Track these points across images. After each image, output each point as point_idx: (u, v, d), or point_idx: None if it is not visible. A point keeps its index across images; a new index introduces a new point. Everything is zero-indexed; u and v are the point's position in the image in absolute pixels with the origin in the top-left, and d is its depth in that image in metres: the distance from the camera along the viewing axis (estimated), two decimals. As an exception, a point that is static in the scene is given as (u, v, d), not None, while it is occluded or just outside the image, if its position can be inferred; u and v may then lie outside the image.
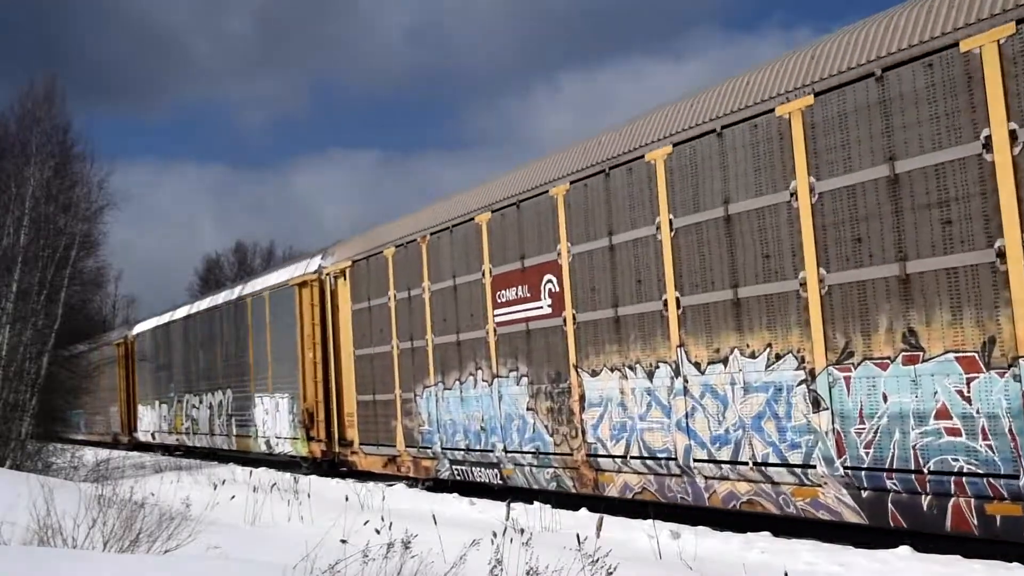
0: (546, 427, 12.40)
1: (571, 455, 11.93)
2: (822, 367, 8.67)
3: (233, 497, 12.39)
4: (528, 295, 12.71)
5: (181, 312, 28.94)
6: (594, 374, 11.52)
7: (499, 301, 13.32)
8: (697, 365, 10.03)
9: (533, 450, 12.64)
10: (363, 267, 17.30)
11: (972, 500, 7.50)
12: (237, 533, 9.74)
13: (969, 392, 7.48)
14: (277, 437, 21.24)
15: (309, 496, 13.00)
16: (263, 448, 22.13)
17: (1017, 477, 7.14)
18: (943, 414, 7.66)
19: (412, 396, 15.62)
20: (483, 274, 13.67)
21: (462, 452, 14.26)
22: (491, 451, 13.54)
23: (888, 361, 8.08)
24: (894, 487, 8.06)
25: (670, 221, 10.36)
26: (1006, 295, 7.23)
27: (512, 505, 9.22)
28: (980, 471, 7.40)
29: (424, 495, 14.88)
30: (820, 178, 8.70)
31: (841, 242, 8.51)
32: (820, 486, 8.81)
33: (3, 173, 21.98)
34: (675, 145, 10.33)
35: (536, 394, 12.58)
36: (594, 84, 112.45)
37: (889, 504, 8.16)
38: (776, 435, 9.12)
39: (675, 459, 10.32)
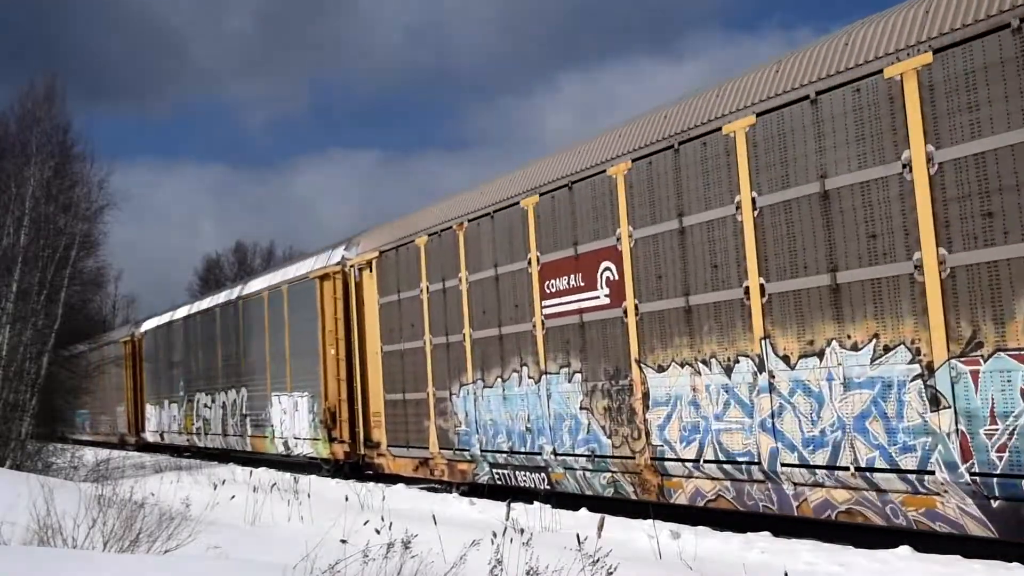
0: (603, 428, 11.39)
1: (632, 458, 10.92)
2: (942, 360, 7.65)
3: (233, 497, 12.29)
4: (582, 284, 11.69)
5: (191, 308, 27.94)
6: (660, 370, 10.51)
7: (548, 291, 12.30)
8: (786, 359, 9.01)
9: (587, 453, 11.63)
10: (392, 258, 16.28)
11: None
12: (237, 533, 9.64)
13: None
14: (295, 438, 20.22)
15: (309, 496, 12.85)
16: (280, 449, 21.11)
17: None
18: (1102, 413, 6.65)
19: (447, 395, 14.60)
20: (529, 262, 12.66)
21: (504, 455, 13.24)
22: (538, 454, 12.52)
23: (1029, 353, 7.07)
24: (1036, 497, 7.06)
25: (753, 199, 9.34)
26: None
27: (512, 505, 9.20)
28: None
29: (424, 495, 14.66)
30: (940, 146, 7.68)
31: (967, 218, 7.49)
32: (939, 495, 7.79)
33: (3, 173, 21.93)
34: (759, 115, 9.30)
35: (591, 392, 11.56)
36: (594, 84, 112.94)
37: (1028, 516, 7.16)
38: (884, 437, 8.10)
39: (758, 463, 9.31)
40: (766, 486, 9.35)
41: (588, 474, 11.73)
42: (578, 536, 6.40)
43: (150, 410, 31.18)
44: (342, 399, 18.27)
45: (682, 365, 10.21)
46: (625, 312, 11.00)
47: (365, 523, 8.37)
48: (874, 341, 8.20)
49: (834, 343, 8.55)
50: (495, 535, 6.12)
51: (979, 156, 7.40)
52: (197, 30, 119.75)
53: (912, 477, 7.91)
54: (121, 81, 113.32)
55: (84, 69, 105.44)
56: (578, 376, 11.78)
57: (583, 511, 11.39)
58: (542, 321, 12.40)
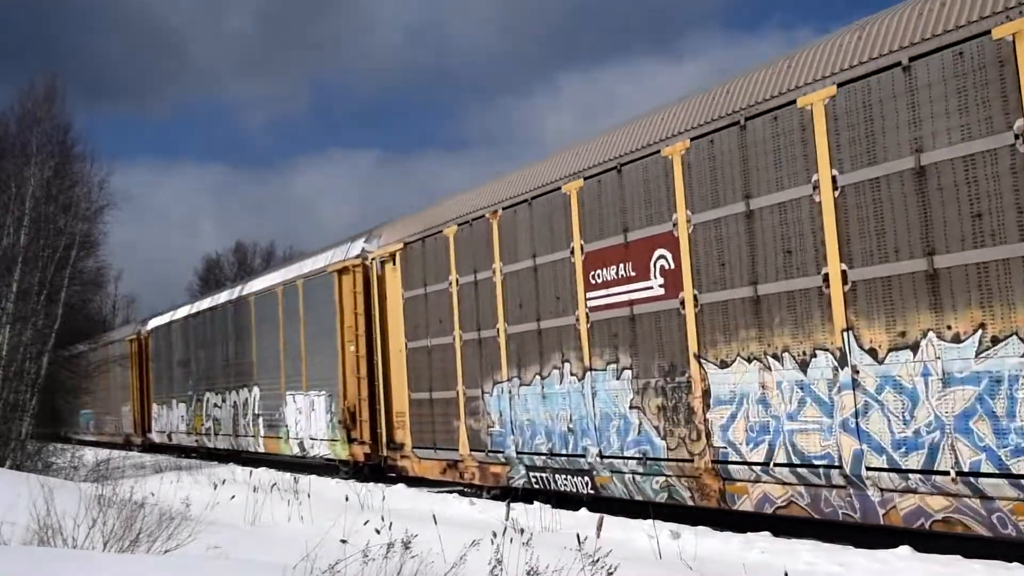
0: (656, 428, 10.57)
1: (691, 461, 10.11)
2: (1064, 353, 6.84)
3: (233, 497, 12.24)
4: (632, 274, 10.88)
5: (200, 305, 27.13)
6: (723, 365, 9.69)
7: (593, 282, 11.48)
8: (872, 352, 8.20)
9: (638, 455, 10.81)
10: (417, 249, 15.47)
11: None
12: (237, 533, 9.63)
13: None
14: (312, 439, 19.41)
15: (309, 496, 12.78)
16: (295, 450, 20.30)
17: None
18: None
19: (479, 393, 13.78)
20: (572, 252, 11.84)
21: (543, 457, 12.43)
22: (582, 456, 11.71)
23: None
24: None
25: (833, 178, 8.52)
26: None
27: (512, 505, 9.08)
28: None
29: (424, 495, 14.45)
30: (1062, 113, 6.87)
31: (1095, 193, 6.68)
32: (1058, 503, 6.98)
33: (3, 173, 21.88)
34: (840, 85, 8.49)
35: (643, 390, 10.75)
36: (594, 84, 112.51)
37: None
38: (992, 438, 7.29)
39: (839, 467, 8.49)
40: (847, 492, 8.53)
41: (638, 478, 10.92)
42: (578, 536, 6.35)
43: (157, 410, 30.35)
44: (362, 398, 17.46)
45: (749, 360, 9.39)
46: (682, 303, 10.18)
47: (365, 523, 8.29)
48: (979, 332, 7.39)
49: (931, 335, 7.73)
50: (495, 535, 6.09)
51: (1111, 123, 6.59)
52: (197, 30, 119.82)
53: (1026, 483, 7.11)
54: (121, 81, 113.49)
55: (84, 69, 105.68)
56: (628, 373, 10.97)
57: (583, 511, 11.25)
58: (586, 314, 11.59)
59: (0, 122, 23.55)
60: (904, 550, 7.99)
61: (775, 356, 9.12)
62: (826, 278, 8.60)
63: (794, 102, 8.92)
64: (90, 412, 38.29)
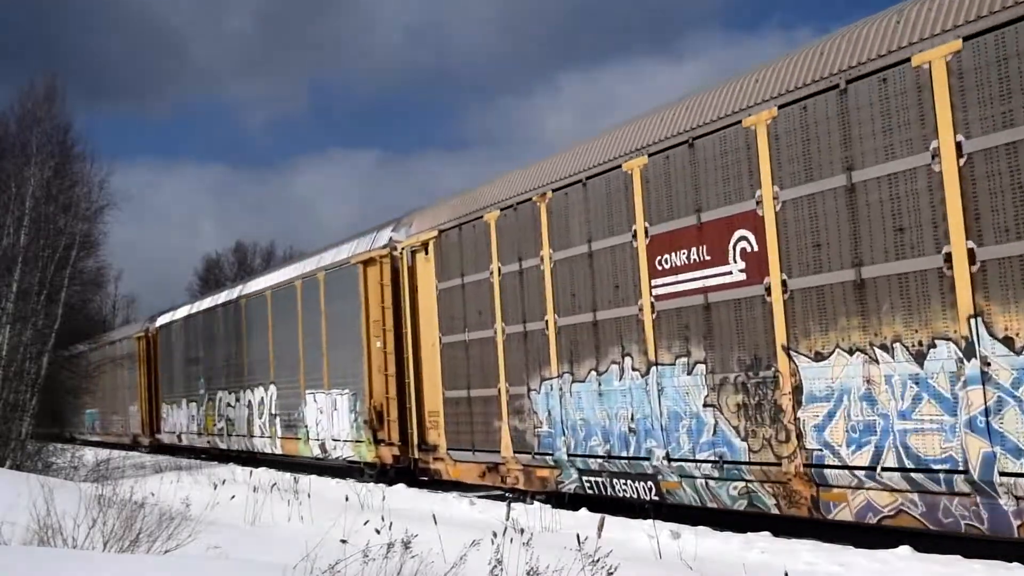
0: (735, 429, 9.56)
1: (778, 465, 9.09)
2: None
3: (233, 497, 12.18)
4: (708, 258, 9.87)
5: (213, 300, 26.12)
6: (819, 357, 8.68)
7: (660, 268, 10.47)
8: (1008, 342, 7.18)
9: (713, 458, 9.80)
10: (453, 238, 14.46)
11: None
12: (237, 533, 9.60)
13: None
14: (334, 440, 18.40)
15: (309, 496, 12.76)
16: (316, 452, 19.28)
17: None
18: None
19: (524, 391, 12.77)
20: (635, 235, 10.83)
21: (599, 460, 11.41)
22: (646, 459, 10.70)
23: None
24: None
25: (958, 145, 7.51)
26: None
27: (512, 505, 9.10)
28: None
29: (425, 495, 14.32)
30: None
31: None
32: None
33: (3, 173, 21.90)
34: (967, 39, 7.48)
35: (719, 386, 9.73)
36: (594, 84, 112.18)
37: None
38: None
39: (964, 471, 7.48)
40: (972, 500, 7.52)
41: (713, 483, 9.90)
42: (578, 536, 6.33)
43: (166, 409, 29.32)
44: (390, 397, 16.45)
45: (851, 352, 8.38)
46: (768, 290, 9.17)
47: (365, 523, 8.26)
48: None
49: (1085, 320, 6.72)
50: (495, 535, 6.08)
51: None
52: (197, 30, 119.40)
53: None
54: (121, 81, 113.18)
55: (84, 69, 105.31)
56: (701, 367, 9.95)
57: (583, 511, 11.21)
58: (651, 303, 10.58)
59: (0, 122, 23.67)
60: (904, 550, 7.94)
61: (883, 347, 8.10)
62: (948, 258, 7.58)
63: (908, 60, 7.91)
64: (95, 412, 37.28)
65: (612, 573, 5.61)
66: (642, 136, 10.83)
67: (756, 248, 9.31)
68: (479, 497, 13.65)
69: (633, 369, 10.88)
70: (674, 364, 10.30)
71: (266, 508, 11.68)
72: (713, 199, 9.81)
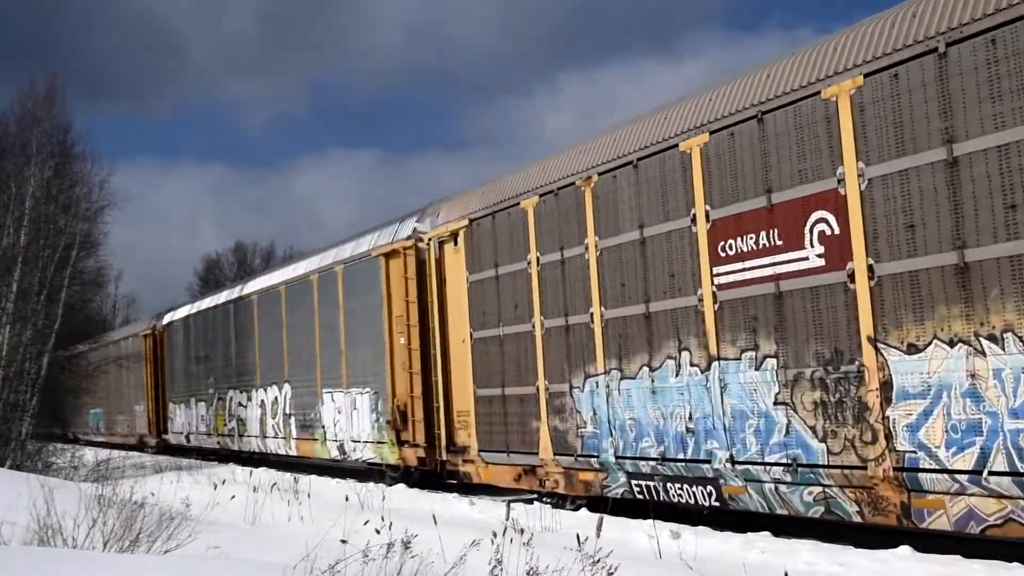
0: (811, 429, 8.74)
1: (862, 468, 8.27)
2: None
3: (233, 497, 12.11)
4: (779, 243, 9.06)
5: (224, 296, 25.30)
6: (912, 350, 7.86)
7: (723, 255, 9.66)
8: None
9: (785, 461, 8.98)
10: (486, 227, 13.65)
11: None
12: (237, 533, 9.57)
13: None
14: (354, 441, 17.58)
15: (309, 496, 12.76)
16: (333, 454, 18.47)
17: None
18: None
19: (566, 389, 11.96)
20: (693, 220, 10.02)
21: (651, 462, 10.60)
22: (705, 461, 9.88)
23: None
24: None
25: (1085, 110, 6.71)
26: None
27: (512, 505, 8.96)
28: None
29: (424, 495, 14.26)
30: None
31: None
32: None
33: (3, 173, 21.94)
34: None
35: (793, 382, 8.92)
36: (594, 84, 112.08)
37: None
38: None
39: (1091, 478, 6.67)
40: (1100, 509, 6.71)
41: (784, 488, 9.08)
42: (578, 536, 6.30)
43: (173, 409, 28.49)
44: (415, 396, 15.64)
45: (951, 343, 7.57)
46: (851, 276, 8.36)
47: (365, 523, 8.22)
48: None
49: None
50: (495, 535, 6.08)
51: None
52: (197, 30, 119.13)
53: None
54: (121, 81, 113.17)
55: (84, 69, 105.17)
56: (771, 362, 9.14)
57: (583, 511, 11.17)
58: (713, 293, 9.76)
59: (0, 122, 23.65)
60: (904, 550, 7.92)
61: (991, 337, 7.29)
62: (1073, 237, 6.78)
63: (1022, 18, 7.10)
64: (100, 412, 36.47)
65: (612, 573, 5.58)
66: (702, 112, 10.02)
67: (837, 231, 8.50)
68: (511, 500, 12.84)
69: (691, 364, 10.06)
70: (739, 359, 9.49)
71: (266, 508, 11.61)
72: (786, 178, 9.00)
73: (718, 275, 9.72)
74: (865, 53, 8.30)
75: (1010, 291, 7.18)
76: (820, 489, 8.75)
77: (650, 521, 9.39)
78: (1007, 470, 7.19)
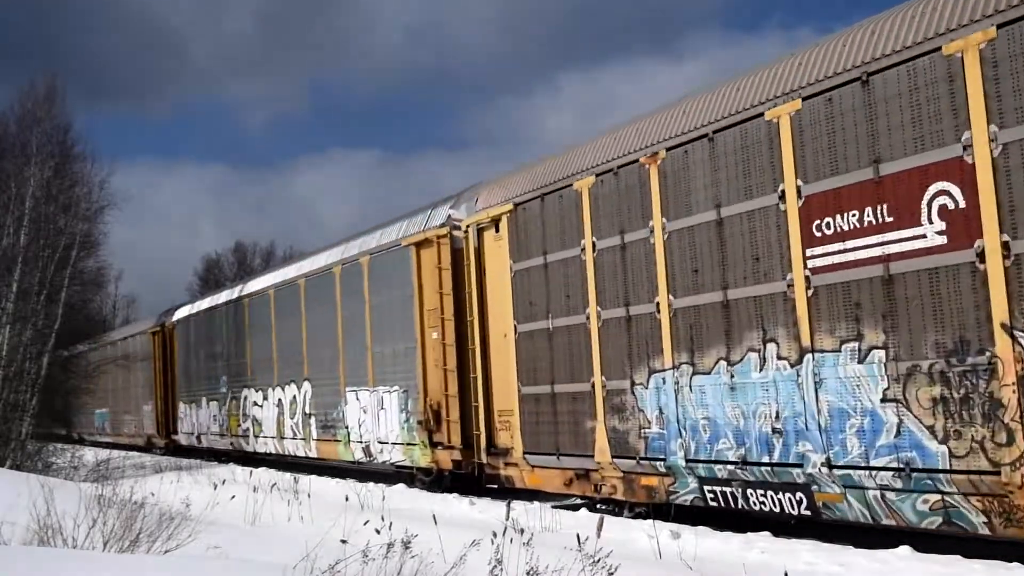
0: (928, 429, 7.73)
1: (995, 474, 7.26)
2: None
3: (233, 497, 12.04)
4: (890, 219, 8.05)
5: (238, 291, 24.29)
6: (1060, 339, 6.86)
7: (819, 235, 8.65)
8: None
9: (896, 465, 7.97)
10: (533, 211, 12.64)
11: None
12: (237, 533, 9.54)
13: None
14: (380, 442, 16.57)
15: (309, 496, 12.75)
16: (358, 456, 17.45)
17: None
18: None
19: (627, 386, 10.95)
20: (782, 197, 9.01)
21: (729, 466, 9.59)
22: (796, 466, 8.87)
23: None
24: None
25: None
26: None
27: (512, 505, 9.08)
28: None
29: (424, 495, 14.24)
30: None
31: None
32: None
33: (3, 173, 21.97)
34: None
35: (906, 376, 7.91)
36: (594, 84, 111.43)
37: None
38: None
39: None
40: None
41: (892, 496, 8.07)
42: (578, 536, 6.27)
43: (183, 409, 27.45)
44: (450, 394, 14.63)
45: (1112, 330, 6.56)
46: (980, 255, 7.35)
47: (365, 523, 8.19)
48: None
49: None
50: (495, 535, 6.06)
51: None
52: (197, 30, 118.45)
53: None
54: (121, 81, 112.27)
55: (84, 69, 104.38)
56: (878, 354, 8.13)
57: (583, 511, 11.15)
58: (806, 277, 8.75)
59: (0, 122, 23.64)
60: (904, 550, 7.90)
61: None
62: None
63: None
64: (106, 412, 35.46)
65: (612, 573, 5.59)
66: (793, 77, 9.01)
67: (963, 204, 7.49)
68: (555, 505, 11.84)
69: (779, 357, 9.05)
70: (838, 351, 8.48)
71: (266, 508, 11.59)
72: (897, 147, 7.99)
73: (812, 257, 8.71)
74: (998, 1, 7.29)
75: None
76: (938, 497, 7.74)
77: (650, 521, 9.44)
78: None
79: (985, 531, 7.50)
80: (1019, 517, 7.22)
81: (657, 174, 10.50)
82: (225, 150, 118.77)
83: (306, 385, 19.56)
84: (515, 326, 12.94)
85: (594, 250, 11.45)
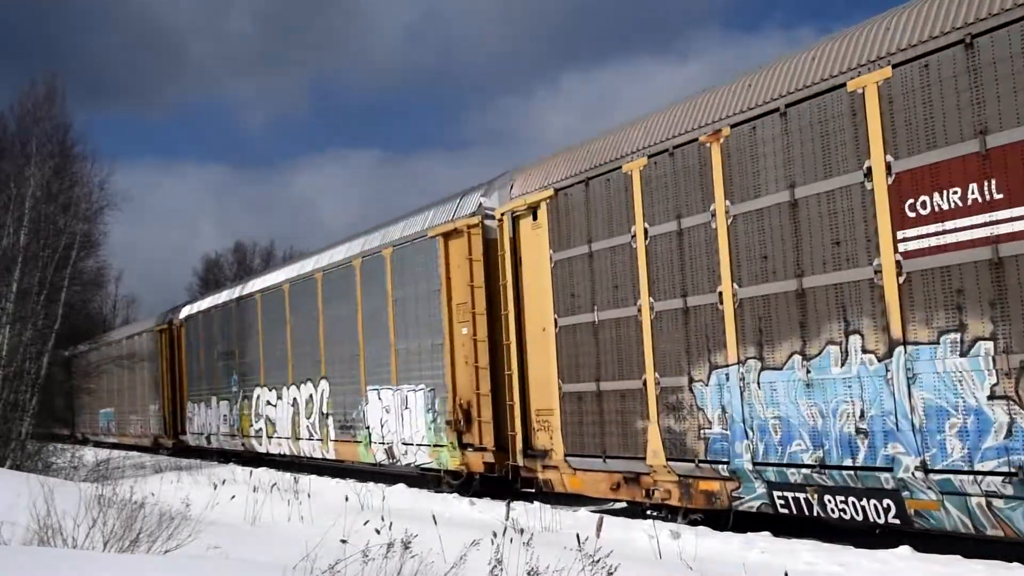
0: (1047, 429, 6.92)
1: None
2: None
3: (233, 497, 12.01)
4: (999, 196, 7.24)
5: (250, 287, 23.48)
6: None
7: (912, 215, 7.85)
8: None
9: (1007, 469, 7.16)
10: (576, 197, 11.84)
11: None
12: (237, 533, 9.59)
13: None
14: (404, 444, 15.77)
15: (309, 496, 12.75)
16: (380, 457, 16.65)
17: None
18: None
19: (684, 383, 10.15)
20: (868, 174, 8.21)
21: (804, 470, 8.78)
22: (885, 470, 8.06)
23: None
24: None
25: None
26: None
27: (512, 505, 8.98)
28: None
29: (424, 494, 14.15)
30: None
31: None
32: None
33: (3, 173, 22.04)
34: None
35: (1020, 371, 7.10)
36: (595, 84, 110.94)
37: None
38: None
39: None
40: None
41: (1001, 504, 7.26)
42: (578, 536, 6.22)
43: (192, 408, 26.64)
44: (482, 393, 13.84)
45: None
46: (1112, 234, 6.55)
47: (365, 523, 8.12)
48: None
49: None
50: (495, 535, 6.02)
51: None
52: (197, 30, 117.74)
53: None
54: (121, 81, 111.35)
55: (84, 69, 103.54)
56: (985, 346, 7.32)
57: (583, 511, 11.13)
58: (897, 262, 7.95)
59: (0, 122, 23.73)
60: (904, 550, 7.88)
61: None
62: None
63: None
64: (111, 411, 34.67)
65: (612, 573, 5.59)
66: (879, 44, 8.20)
67: (1090, 178, 6.69)
68: (592, 509, 11.06)
69: (864, 351, 8.25)
70: (936, 343, 7.67)
71: (266, 508, 11.58)
72: (1008, 116, 7.19)
73: (904, 240, 7.91)
74: None
75: None
76: (1058, 506, 6.94)
77: (650, 521, 9.37)
78: None
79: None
80: None
81: (720, 153, 9.70)
82: (225, 150, 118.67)
83: (323, 384, 18.76)
84: (555, 320, 12.14)
85: (646, 237, 10.65)
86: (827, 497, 8.71)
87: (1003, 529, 7.35)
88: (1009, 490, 7.19)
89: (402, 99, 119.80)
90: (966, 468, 7.46)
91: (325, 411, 18.59)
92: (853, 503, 8.48)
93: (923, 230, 7.76)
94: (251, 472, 16.61)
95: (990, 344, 7.30)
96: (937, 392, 7.66)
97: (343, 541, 6.48)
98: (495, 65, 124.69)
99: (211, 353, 25.24)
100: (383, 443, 16.42)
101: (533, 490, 12.92)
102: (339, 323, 18.11)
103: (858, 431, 8.29)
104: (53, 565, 6.05)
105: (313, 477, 16.99)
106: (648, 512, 10.97)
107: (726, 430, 9.62)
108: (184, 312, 27.59)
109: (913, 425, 7.82)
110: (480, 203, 14.14)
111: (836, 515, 8.66)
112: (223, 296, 25.16)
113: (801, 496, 8.96)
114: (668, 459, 10.36)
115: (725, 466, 9.64)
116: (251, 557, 7.36)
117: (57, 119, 23.09)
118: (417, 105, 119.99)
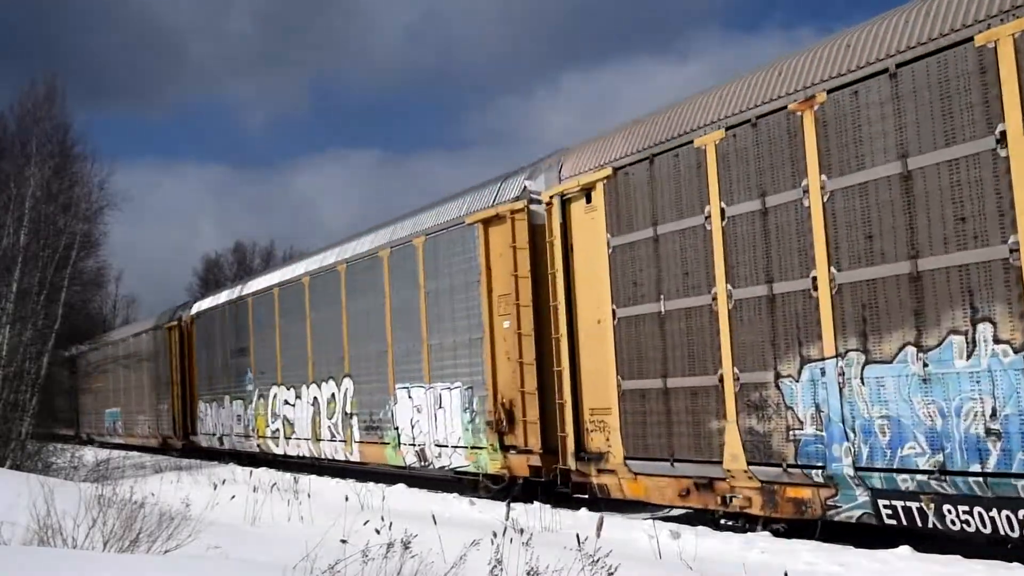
0: None
1: None
2: None
3: (233, 497, 11.94)
4: None
5: (266, 281, 22.47)
6: None
7: (1059, 185, 6.85)
8: None
9: None
10: (638, 175, 10.84)
11: None
12: (237, 533, 9.53)
13: None
14: (438, 445, 14.77)
15: (309, 496, 12.73)
16: (410, 460, 15.64)
17: None
18: None
19: (770, 378, 9.15)
20: (1000, 140, 7.21)
21: (919, 476, 7.78)
22: (1021, 476, 7.07)
23: None
24: None
25: None
26: None
27: (512, 505, 8.84)
28: None
29: (424, 494, 14.08)
30: None
31: None
32: None
33: (3, 173, 22.01)
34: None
35: None
36: (595, 84, 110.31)
37: None
38: None
39: None
40: None
41: None
42: (578, 536, 6.24)
43: (204, 408, 25.61)
44: (526, 391, 12.84)
45: None
46: None
47: (365, 523, 7.96)
48: None
49: None
50: (495, 535, 6.00)
51: None
52: (197, 30, 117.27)
53: None
54: (121, 81, 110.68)
55: (84, 69, 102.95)
56: None
57: (583, 511, 11.05)
58: (1040, 240, 6.95)
59: (0, 122, 23.71)
60: (904, 550, 7.84)
61: None
62: None
63: None
64: (117, 411, 33.67)
65: (612, 573, 5.59)
66: (1016, -10, 7.21)
67: None
68: (649, 517, 10.08)
69: (996, 341, 7.25)
70: (1090, 331, 6.68)
71: (266, 508, 11.58)
72: None
73: (1049, 215, 6.91)
74: None
75: None
76: None
77: (650, 521, 9.39)
78: None
79: None
80: None
81: (813, 122, 8.70)
82: (225, 150, 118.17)
83: (347, 382, 17.75)
84: (613, 311, 11.15)
85: (723, 218, 9.65)
86: (947, 507, 7.71)
87: None
88: None
89: (402, 99, 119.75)
90: None
91: (349, 411, 17.59)
92: (980, 514, 7.48)
93: (1074, 202, 6.77)
94: (251, 472, 16.33)
95: None
96: (1091, 388, 6.67)
97: (343, 541, 6.47)
98: (495, 65, 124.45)
99: (224, 350, 24.22)
100: (414, 444, 15.42)
101: (586, 496, 11.90)
102: (364, 317, 17.11)
103: (988, 432, 7.29)
104: (53, 565, 6.08)
105: (313, 477, 16.70)
106: (722, 521, 9.98)
107: (821, 431, 8.62)
108: (195, 308, 26.58)
109: (1060, 426, 6.83)
110: (525, 186, 13.14)
111: (958, 527, 7.66)
112: (236, 291, 24.16)
113: (914, 505, 7.95)
114: (749, 463, 9.36)
115: (820, 471, 8.65)
116: (251, 557, 7.38)
117: (57, 119, 23.09)
118: (417, 105, 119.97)
